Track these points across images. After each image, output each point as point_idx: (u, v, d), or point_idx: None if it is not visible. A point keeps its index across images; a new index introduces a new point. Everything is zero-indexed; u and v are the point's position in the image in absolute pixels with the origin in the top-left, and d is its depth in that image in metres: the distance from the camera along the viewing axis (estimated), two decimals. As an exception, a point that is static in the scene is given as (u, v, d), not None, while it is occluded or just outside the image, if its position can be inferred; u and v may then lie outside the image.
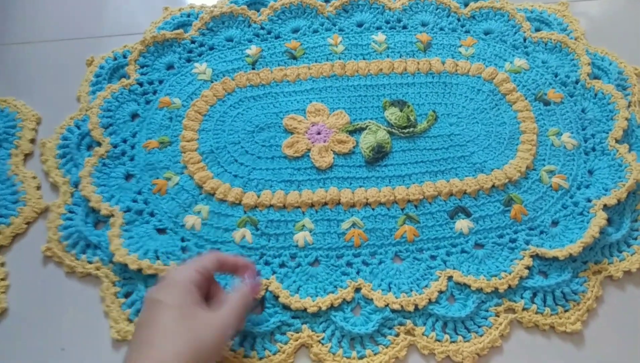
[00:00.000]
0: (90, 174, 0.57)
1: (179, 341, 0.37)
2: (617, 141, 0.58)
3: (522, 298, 0.50)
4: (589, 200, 0.54)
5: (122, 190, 0.57)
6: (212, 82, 0.65)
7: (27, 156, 0.61)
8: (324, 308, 0.49)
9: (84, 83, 0.66)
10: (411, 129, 0.60)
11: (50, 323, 0.51)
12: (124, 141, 0.61)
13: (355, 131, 0.61)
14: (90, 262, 0.53)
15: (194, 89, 0.64)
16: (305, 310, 0.49)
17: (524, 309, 0.49)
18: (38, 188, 0.59)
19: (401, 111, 0.61)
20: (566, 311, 0.49)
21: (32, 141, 0.62)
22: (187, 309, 0.39)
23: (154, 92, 0.65)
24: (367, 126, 0.61)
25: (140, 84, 0.65)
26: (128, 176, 0.58)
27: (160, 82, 0.65)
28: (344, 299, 0.50)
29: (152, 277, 0.52)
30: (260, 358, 0.47)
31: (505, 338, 0.48)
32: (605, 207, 0.53)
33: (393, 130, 0.60)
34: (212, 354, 0.39)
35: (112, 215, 0.54)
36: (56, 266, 0.54)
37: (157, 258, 0.52)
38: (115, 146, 0.60)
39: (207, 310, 0.41)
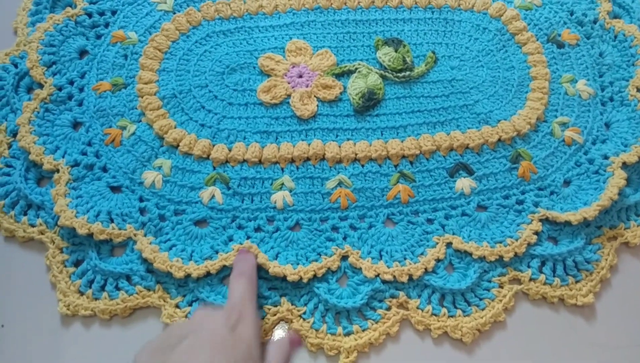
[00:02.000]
0: (30, 122, 0.51)
1: None
2: (638, 90, 0.55)
3: (529, 267, 0.46)
4: (606, 157, 0.51)
5: (68, 141, 0.51)
6: (174, 13, 0.59)
7: (-46, 98, 0.55)
8: (305, 278, 0.45)
9: (21, 12, 0.59)
10: (407, 73, 0.55)
11: None
12: (71, 82, 0.54)
13: (343, 75, 0.56)
14: (32, 225, 0.48)
15: (152, 22, 0.58)
16: (284, 278, 0.45)
17: (530, 279, 0.46)
18: (-32, 137, 0.52)
19: (396, 51, 0.56)
20: (577, 281, 0.46)
21: (-40, 81, 0.56)
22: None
23: (106, 25, 0.58)
24: (356, 69, 0.56)
25: (89, 15, 0.58)
26: (75, 124, 0.53)
27: (113, 12, 0.59)
28: (329, 268, 0.46)
29: (105, 243, 0.46)
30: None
31: (509, 312, 0.45)
32: (624, 165, 0.50)
33: (386, 73, 0.55)
34: None
35: (57, 170, 0.49)
36: None
37: (111, 220, 0.47)
38: (59, 89, 0.54)
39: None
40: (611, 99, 0.55)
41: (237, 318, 0.38)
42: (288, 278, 0.44)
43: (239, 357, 0.35)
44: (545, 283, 0.45)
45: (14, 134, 0.51)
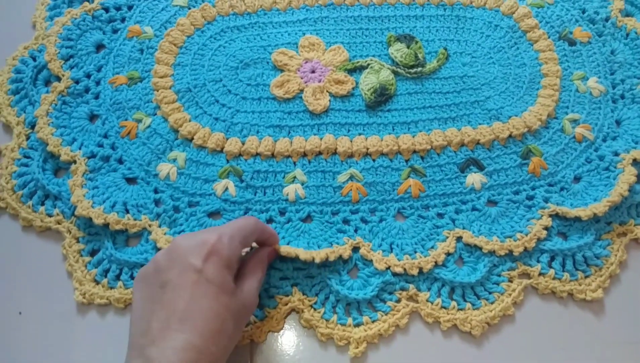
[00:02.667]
0: (48, 114, 0.52)
1: (217, 323, 0.35)
2: None
3: (538, 262, 0.46)
4: (617, 154, 0.50)
5: (85, 133, 0.52)
6: (189, 8, 0.59)
7: (-26, 91, 0.55)
8: (318, 260, 0.44)
9: (40, 7, 0.60)
10: (419, 69, 0.55)
11: (5, 284, 0.46)
12: (87, 75, 0.55)
13: (355, 70, 0.56)
14: (49, 215, 0.48)
15: (168, 17, 0.58)
16: (296, 268, 0.45)
17: (540, 274, 0.46)
18: (-13, 128, 0.53)
19: (408, 47, 0.56)
20: (587, 277, 0.46)
21: (-21, 73, 0.56)
22: (226, 287, 0.37)
23: (122, 20, 0.59)
24: (368, 64, 0.55)
25: (106, 10, 0.59)
26: (92, 117, 0.53)
27: (130, 7, 0.59)
28: (341, 256, 0.45)
29: (120, 233, 0.47)
30: (246, 325, 0.43)
31: (518, 306, 0.45)
32: (635, 162, 0.49)
33: (398, 69, 0.55)
34: (240, 333, 0.39)
35: (74, 161, 0.49)
36: (11, 219, 0.49)
37: (127, 211, 0.47)
38: (77, 82, 0.54)
39: (238, 288, 0.39)
40: (622, 97, 0.54)
41: (209, 250, 0.36)
42: (300, 257, 0.43)
43: (207, 302, 0.35)
44: (554, 278, 0.45)
45: (32, 126, 0.51)
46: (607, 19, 0.58)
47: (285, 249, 0.44)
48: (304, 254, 0.44)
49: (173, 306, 0.35)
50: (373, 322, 0.44)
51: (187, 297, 0.35)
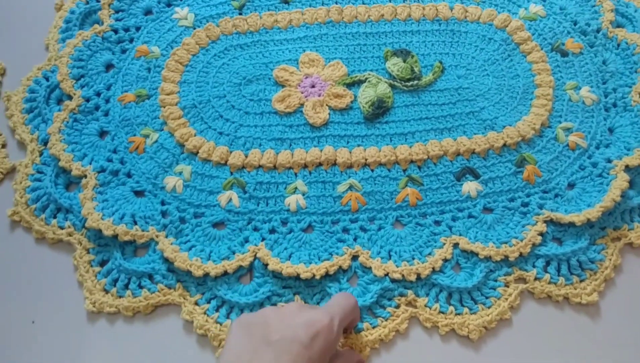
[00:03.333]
0: (60, 131, 0.53)
1: None
2: None
3: (534, 267, 0.47)
4: (609, 160, 0.51)
5: (95, 148, 0.53)
6: (194, 28, 0.60)
7: (-10, 110, 0.57)
8: (318, 276, 0.46)
9: (53, 30, 0.61)
10: (415, 82, 0.56)
11: (19, 293, 0.47)
12: (98, 94, 0.56)
13: (354, 84, 0.57)
14: (61, 227, 0.49)
15: (174, 37, 0.60)
16: (297, 277, 0.46)
17: (536, 279, 0.46)
18: (3, 145, 0.55)
19: (404, 61, 0.57)
20: (582, 281, 0.46)
21: (-4, 94, 0.58)
22: None
23: (131, 40, 0.60)
24: (366, 79, 0.57)
25: (115, 31, 0.60)
26: (102, 133, 0.55)
27: (137, 28, 0.61)
28: (340, 267, 0.47)
29: (129, 244, 0.48)
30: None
31: (515, 310, 0.46)
32: (627, 168, 0.50)
33: (395, 83, 0.56)
34: None
35: (85, 176, 0.51)
36: (24, 231, 0.50)
37: (135, 223, 0.49)
38: (87, 100, 0.56)
39: None
40: (614, 105, 0.54)
41: (320, 329, 0.37)
42: (301, 276, 0.45)
43: None
44: (550, 282, 0.46)
45: (45, 143, 0.53)
46: (598, 30, 0.59)
47: (287, 270, 0.45)
48: (305, 273, 0.45)
49: None
50: (373, 327, 0.44)
51: None
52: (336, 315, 0.39)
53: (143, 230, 0.48)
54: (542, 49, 0.58)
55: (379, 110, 0.54)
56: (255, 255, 0.47)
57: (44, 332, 0.46)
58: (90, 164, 0.51)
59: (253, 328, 0.37)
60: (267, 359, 0.35)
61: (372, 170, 0.52)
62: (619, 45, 0.58)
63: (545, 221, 0.48)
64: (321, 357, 0.36)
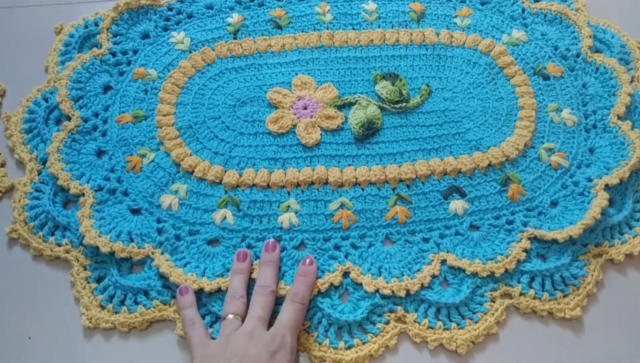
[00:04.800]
0: (58, 150, 0.54)
1: None
2: (619, 118, 0.56)
3: (519, 282, 0.48)
4: (590, 180, 0.52)
5: (93, 167, 0.54)
6: (190, 52, 0.62)
7: (-10, 130, 0.58)
8: (311, 295, 0.47)
9: (52, 53, 0.62)
10: (403, 104, 0.58)
11: (16, 310, 0.48)
12: (95, 115, 0.57)
13: (344, 106, 0.58)
14: (59, 245, 0.50)
15: (171, 60, 0.61)
16: None
17: (521, 294, 0.47)
18: (2, 165, 0.55)
19: (393, 84, 0.59)
20: (565, 296, 0.47)
21: (-4, 114, 0.59)
22: None
23: (128, 63, 0.61)
24: (356, 101, 0.58)
25: (113, 54, 0.62)
26: (100, 153, 0.56)
27: (135, 52, 0.62)
28: (332, 284, 0.48)
29: (125, 261, 0.49)
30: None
31: (501, 325, 0.47)
32: (607, 187, 0.51)
33: (384, 105, 0.58)
34: None
35: (82, 194, 0.52)
36: (22, 248, 0.51)
37: (131, 240, 0.49)
38: (85, 121, 0.57)
39: None
40: (594, 127, 0.56)
41: (279, 344, 0.41)
42: None
43: None
44: (534, 298, 0.47)
45: (44, 162, 0.54)
46: (578, 55, 0.60)
47: (280, 291, 0.47)
48: None
49: None
50: (364, 343, 0.45)
51: None
52: (287, 331, 0.42)
53: (139, 247, 0.49)
54: (524, 72, 0.60)
55: (369, 131, 0.56)
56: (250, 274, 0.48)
57: (40, 347, 0.46)
58: (88, 183, 0.52)
59: (214, 360, 0.40)
60: None
61: (363, 189, 0.53)
62: (597, 69, 0.59)
63: (529, 238, 0.49)
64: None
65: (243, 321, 0.43)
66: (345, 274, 0.48)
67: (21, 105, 0.58)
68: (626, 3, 0.68)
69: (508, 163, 0.54)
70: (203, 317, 0.46)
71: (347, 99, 0.58)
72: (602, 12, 0.65)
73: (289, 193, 0.53)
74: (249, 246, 0.50)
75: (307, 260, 0.48)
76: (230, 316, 0.44)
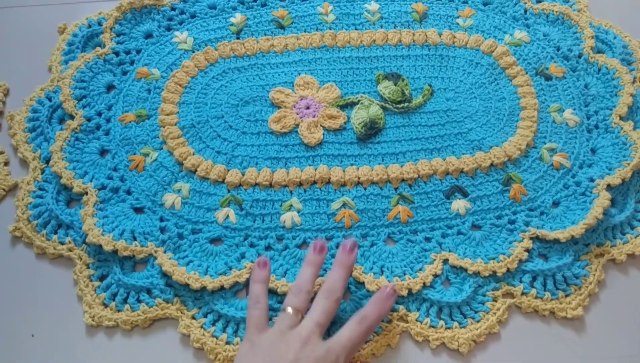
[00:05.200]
0: (62, 149, 0.54)
1: None
2: (621, 118, 0.56)
3: (521, 282, 0.48)
4: (592, 180, 0.52)
5: (96, 166, 0.54)
6: (193, 52, 0.62)
7: (-6, 129, 0.58)
8: (311, 293, 0.46)
9: (56, 52, 0.62)
10: (406, 104, 0.58)
11: (19, 307, 0.48)
12: (99, 114, 0.58)
13: (347, 106, 0.58)
14: (62, 243, 0.50)
15: (174, 60, 0.61)
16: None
17: (522, 294, 0.47)
18: (6, 163, 0.56)
19: (395, 84, 0.59)
20: (567, 295, 0.47)
21: (0, 113, 0.59)
22: None
23: (131, 63, 0.62)
24: (359, 101, 0.58)
25: (117, 54, 0.62)
26: (103, 152, 0.56)
27: (138, 51, 0.62)
28: None
29: (128, 259, 0.49)
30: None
31: (503, 324, 0.47)
32: (609, 187, 0.51)
33: (386, 105, 0.58)
34: None
35: (86, 193, 0.52)
36: (26, 247, 0.51)
37: (134, 238, 0.50)
38: (89, 120, 0.57)
39: None
40: (596, 127, 0.56)
41: (332, 361, 0.39)
42: None
43: None
44: (536, 297, 0.47)
45: (47, 161, 0.54)
46: (580, 56, 0.61)
47: (282, 289, 0.47)
48: None
49: None
50: (366, 342, 0.45)
51: None
52: (342, 351, 0.40)
53: (142, 246, 0.49)
54: (526, 73, 0.60)
55: (371, 131, 0.56)
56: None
57: (43, 345, 0.46)
58: (91, 181, 0.53)
59: (264, 352, 0.39)
60: None
61: (365, 188, 0.53)
62: (599, 70, 0.59)
63: (531, 238, 0.49)
64: None
65: (302, 318, 0.42)
66: (348, 273, 0.48)
67: (25, 104, 0.58)
68: (628, 4, 0.68)
69: (510, 163, 0.54)
70: (205, 316, 0.46)
71: (349, 98, 0.58)
72: (605, 12, 0.65)
73: (291, 192, 0.53)
74: (252, 245, 0.50)
75: (349, 245, 0.45)
76: (290, 310, 0.42)
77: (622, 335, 0.46)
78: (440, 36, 0.63)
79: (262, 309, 0.43)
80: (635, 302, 0.48)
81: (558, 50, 0.62)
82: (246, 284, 0.48)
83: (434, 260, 0.49)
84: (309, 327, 0.41)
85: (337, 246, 0.50)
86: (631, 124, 0.55)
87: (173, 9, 0.65)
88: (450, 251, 0.49)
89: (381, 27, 0.63)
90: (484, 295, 0.47)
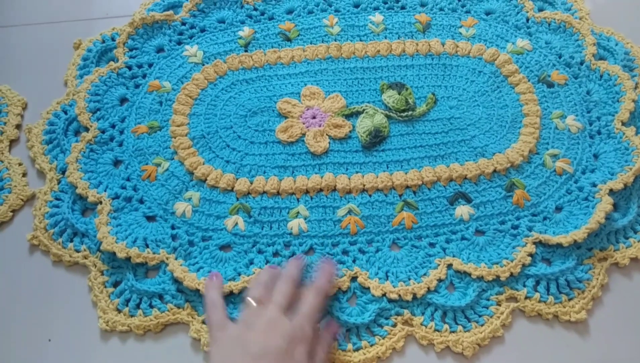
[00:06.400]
0: (77, 160, 0.56)
1: None
2: (623, 124, 0.57)
3: (524, 286, 0.48)
4: (594, 185, 0.53)
5: (110, 176, 0.56)
6: (203, 65, 0.64)
7: (13, 142, 0.60)
8: None
9: (71, 67, 0.64)
10: (410, 113, 0.59)
11: (36, 313, 0.50)
12: (112, 126, 0.59)
13: (352, 115, 0.59)
14: (77, 251, 0.52)
15: (184, 72, 0.63)
16: None
17: (526, 298, 0.48)
18: (24, 174, 0.57)
19: (399, 93, 0.60)
20: (570, 299, 0.48)
21: (18, 126, 0.61)
22: None
23: (144, 76, 0.63)
24: (364, 110, 0.59)
25: (129, 68, 0.64)
26: (116, 162, 0.57)
27: (150, 65, 0.64)
28: (340, 288, 0.48)
29: (141, 266, 0.50)
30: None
31: (507, 328, 0.47)
32: (611, 192, 0.52)
33: (391, 113, 0.59)
34: None
35: (100, 202, 0.53)
36: (42, 255, 0.53)
37: (147, 246, 0.51)
38: (103, 132, 0.59)
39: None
40: (599, 133, 0.57)
41: (300, 335, 0.41)
42: None
43: None
44: (540, 301, 0.47)
45: (63, 172, 0.56)
46: (582, 63, 0.61)
47: None
48: None
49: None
50: (371, 345, 0.46)
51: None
52: (306, 322, 0.42)
53: (154, 253, 0.50)
54: (529, 80, 0.60)
55: (376, 139, 0.57)
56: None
57: (59, 349, 0.47)
58: (105, 191, 0.54)
59: (232, 346, 0.41)
60: None
61: (370, 195, 0.54)
62: (601, 76, 0.60)
63: (534, 243, 0.50)
64: (303, 360, 0.41)
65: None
66: (353, 278, 0.49)
67: (42, 117, 0.60)
68: (630, 11, 0.68)
69: (513, 169, 0.55)
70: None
71: (354, 108, 0.59)
72: (606, 20, 0.66)
73: (298, 199, 0.54)
74: (260, 252, 0.51)
75: (326, 260, 0.49)
76: (252, 301, 0.43)
77: (625, 338, 0.46)
78: (443, 46, 0.64)
79: (220, 311, 0.44)
80: (639, 305, 0.48)
81: (560, 57, 0.62)
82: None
83: (438, 265, 0.49)
84: (272, 311, 0.42)
85: (342, 252, 0.51)
86: (633, 129, 0.56)
87: (183, 24, 0.67)
88: (454, 256, 0.50)
89: (385, 38, 0.64)
90: (488, 299, 0.48)
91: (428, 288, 0.48)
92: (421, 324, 0.47)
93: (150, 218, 0.53)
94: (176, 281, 0.49)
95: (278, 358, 0.39)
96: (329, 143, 0.57)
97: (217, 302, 0.45)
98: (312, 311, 0.43)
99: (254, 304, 0.43)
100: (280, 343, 0.40)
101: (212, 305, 0.45)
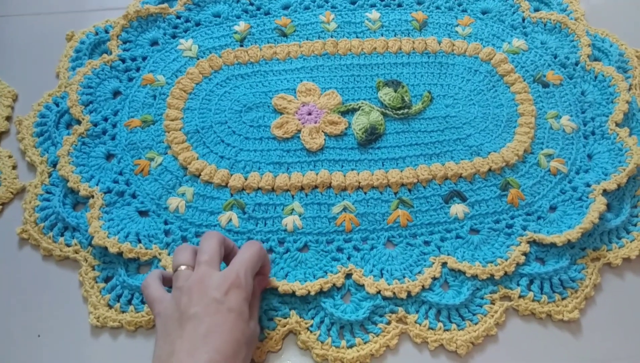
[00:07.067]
0: (68, 154, 0.55)
1: (235, 346, 0.39)
2: (617, 125, 0.57)
3: (518, 285, 0.48)
4: (588, 185, 0.53)
5: (102, 170, 0.55)
6: (198, 59, 0.63)
7: (3, 134, 0.59)
8: (312, 292, 0.47)
9: (64, 59, 0.64)
10: (405, 111, 0.59)
11: (25, 308, 0.49)
12: (105, 119, 0.59)
13: (348, 112, 0.59)
14: (68, 245, 0.51)
15: (179, 66, 0.63)
16: (293, 293, 0.47)
17: (520, 297, 0.48)
18: (14, 167, 0.57)
19: (395, 91, 0.60)
20: (563, 299, 0.48)
21: (8, 118, 0.60)
22: (244, 317, 0.40)
23: (137, 69, 0.63)
24: (359, 107, 0.59)
25: (123, 60, 0.63)
26: (109, 156, 0.57)
27: (144, 58, 0.64)
28: (334, 284, 0.48)
29: (133, 261, 0.50)
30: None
31: (500, 327, 0.47)
32: (605, 192, 0.52)
33: (387, 111, 0.59)
34: (249, 359, 0.42)
35: (92, 196, 0.53)
36: (32, 249, 0.52)
37: (139, 241, 0.51)
38: (95, 125, 0.58)
39: (251, 318, 0.42)
40: (593, 133, 0.57)
41: (232, 281, 0.40)
42: (297, 293, 0.47)
43: (228, 327, 0.38)
44: (533, 300, 0.47)
45: (54, 165, 0.55)
46: (577, 63, 0.62)
47: (283, 287, 0.47)
48: (300, 290, 0.47)
49: (196, 332, 0.38)
50: (365, 343, 0.46)
51: (209, 322, 0.38)
52: (241, 267, 0.41)
53: (146, 248, 0.50)
54: (524, 80, 0.61)
55: (372, 136, 0.57)
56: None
57: (49, 345, 0.47)
58: (97, 185, 0.53)
59: (170, 315, 0.39)
60: (190, 328, 0.38)
61: (365, 193, 0.54)
62: (596, 77, 0.60)
63: (528, 242, 0.50)
64: (240, 306, 0.40)
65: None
66: (348, 275, 0.49)
67: (33, 109, 0.59)
68: (624, 13, 0.69)
69: (508, 168, 0.55)
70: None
71: (350, 105, 0.59)
72: (601, 21, 0.66)
73: (293, 196, 0.54)
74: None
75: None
76: (182, 267, 0.42)
77: (617, 337, 0.47)
78: (439, 44, 0.64)
79: (155, 288, 0.42)
80: (631, 305, 0.48)
81: (555, 58, 0.63)
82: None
83: (433, 263, 0.49)
84: (199, 269, 0.41)
85: (337, 250, 0.51)
86: (627, 130, 0.56)
87: (178, 17, 0.67)
88: (448, 254, 0.50)
89: (382, 36, 0.64)
90: (482, 298, 0.48)
91: (422, 286, 0.48)
92: (415, 322, 0.47)
93: (142, 213, 0.53)
94: (169, 277, 0.48)
95: (214, 312, 0.38)
96: (325, 139, 0.57)
97: (151, 282, 0.43)
98: (246, 261, 0.42)
99: (183, 268, 0.42)
100: (213, 294, 0.39)
101: (146, 285, 0.43)
